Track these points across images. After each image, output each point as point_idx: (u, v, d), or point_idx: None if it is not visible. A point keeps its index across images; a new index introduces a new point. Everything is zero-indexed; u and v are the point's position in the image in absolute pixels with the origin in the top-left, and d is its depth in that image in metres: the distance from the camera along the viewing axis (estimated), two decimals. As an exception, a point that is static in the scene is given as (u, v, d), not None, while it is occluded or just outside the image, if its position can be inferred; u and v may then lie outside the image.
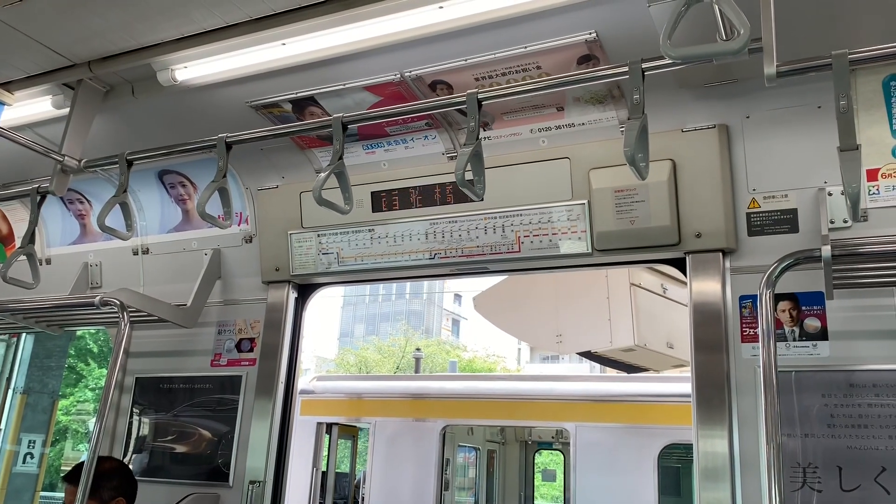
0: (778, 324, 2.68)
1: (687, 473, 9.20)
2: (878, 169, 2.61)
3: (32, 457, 7.31)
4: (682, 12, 1.91)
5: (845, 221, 2.64)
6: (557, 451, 12.68)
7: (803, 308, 2.68)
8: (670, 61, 2.09)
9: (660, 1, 2.31)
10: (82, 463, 2.99)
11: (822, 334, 2.64)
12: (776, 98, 2.74)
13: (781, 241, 2.74)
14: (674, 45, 1.91)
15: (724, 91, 2.80)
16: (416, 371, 16.90)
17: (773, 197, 2.80)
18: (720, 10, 2.01)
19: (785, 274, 2.41)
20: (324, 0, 2.61)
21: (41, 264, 4.34)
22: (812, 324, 2.66)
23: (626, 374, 8.45)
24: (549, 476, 14.94)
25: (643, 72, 2.20)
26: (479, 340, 34.85)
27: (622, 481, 7.85)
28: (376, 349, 33.51)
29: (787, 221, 2.77)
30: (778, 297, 2.66)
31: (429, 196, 3.37)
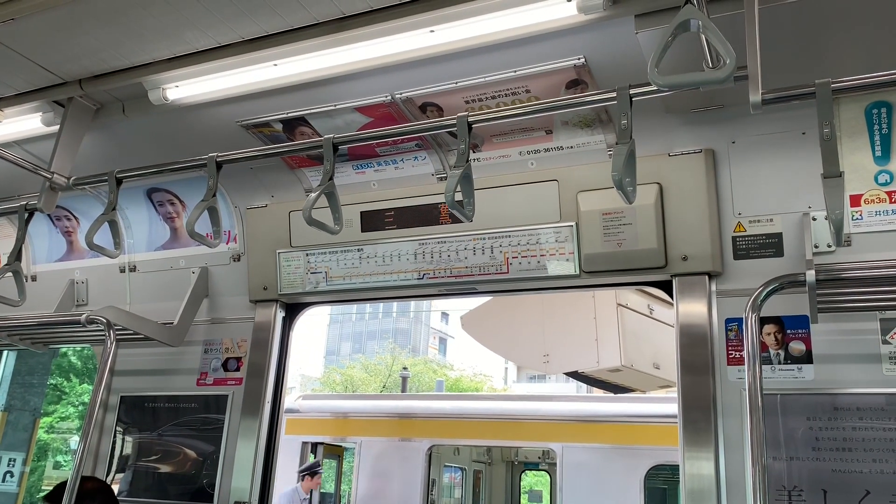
0: (763, 347, 2.71)
1: (673, 494, 9.20)
2: (861, 195, 2.65)
3: (12, 475, 7.21)
4: (670, 41, 1.94)
5: (829, 246, 2.67)
6: (544, 472, 12.65)
7: (788, 331, 2.71)
8: (657, 88, 2.13)
9: (647, 28, 2.35)
10: (64, 482, 2.95)
11: (807, 357, 2.66)
12: (761, 124, 2.78)
13: (766, 265, 2.77)
14: (661, 72, 1.94)
15: (711, 116, 2.84)
16: (403, 390, 16.85)
17: (759, 221, 2.83)
18: (707, 40, 2.05)
19: (770, 297, 2.44)
20: (316, 22, 2.64)
21: (27, 281, 4.31)
22: (797, 347, 2.69)
23: (612, 395, 8.46)
24: (535, 497, 14.87)
25: (631, 98, 2.23)
26: (466, 359, 34.75)
27: (609, 502, 7.84)
28: (363, 367, 33.32)
29: (772, 245, 2.80)
30: (763, 321, 2.68)
31: (418, 216, 3.39)
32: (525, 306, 6.92)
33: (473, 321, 7.62)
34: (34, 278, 4.55)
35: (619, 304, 6.37)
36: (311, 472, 9.58)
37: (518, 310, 7.01)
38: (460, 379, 32.63)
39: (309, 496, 9.57)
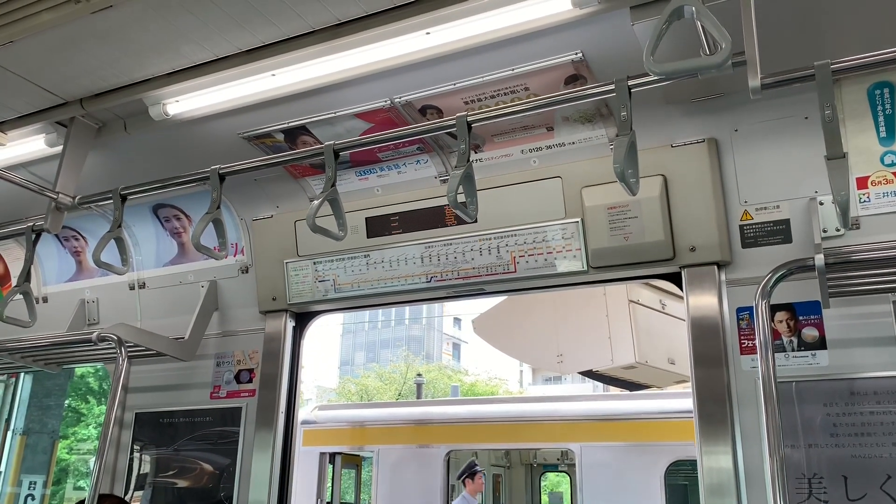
0: (776, 334, 2.68)
1: (695, 490, 9.12)
2: (868, 177, 2.63)
3: (34, 498, 7.23)
4: (664, 29, 1.93)
5: (838, 230, 2.64)
6: (563, 473, 12.59)
7: (801, 318, 2.68)
8: (655, 78, 2.12)
9: (644, 19, 2.34)
10: (82, 501, 2.96)
11: (821, 343, 2.63)
12: (763, 110, 2.76)
13: (775, 252, 2.74)
14: (657, 61, 1.93)
15: (712, 105, 2.83)
16: (418, 397, 16.83)
17: (765, 208, 2.81)
18: (702, 26, 2.03)
19: (781, 284, 2.42)
20: (312, 30, 2.64)
21: (38, 302, 4.33)
22: (810, 333, 2.66)
23: (628, 392, 8.41)
24: (555, 499, 14.81)
25: (629, 89, 2.23)
26: (481, 364, 34.71)
27: (630, 501, 7.79)
28: (377, 376, 33.32)
29: (780, 232, 2.78)
30: (775, 308, 2.66)
31: (423, 220, 3.38)
32: (537, 307, 6.89)
33: (485, 324, 7.60)
34: (45, 299, 4.57)
35: (631, 301, 6.34)
36: (470, 474, 9.36)
37: (530, 311, 6.98)
38: (475, 384, 32.58)
39: (478, 499, 9.36)
